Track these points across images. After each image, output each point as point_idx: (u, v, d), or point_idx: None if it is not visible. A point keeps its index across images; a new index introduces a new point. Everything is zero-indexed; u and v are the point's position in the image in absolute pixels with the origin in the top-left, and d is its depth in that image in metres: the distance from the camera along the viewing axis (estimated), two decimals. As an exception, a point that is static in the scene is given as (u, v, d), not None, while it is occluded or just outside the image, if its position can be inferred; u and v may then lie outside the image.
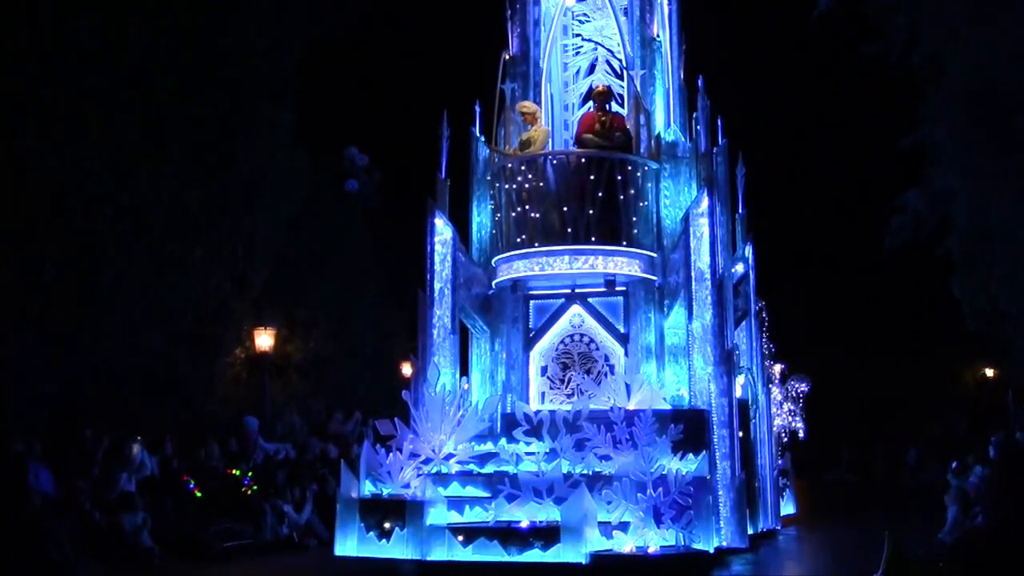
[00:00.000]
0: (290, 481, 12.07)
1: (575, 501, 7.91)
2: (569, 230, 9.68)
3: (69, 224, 12.43)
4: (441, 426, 8.86)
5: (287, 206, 15.99)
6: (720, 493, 9.08)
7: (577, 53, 11.37)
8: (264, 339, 15.75)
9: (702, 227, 9.70)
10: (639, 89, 10.34)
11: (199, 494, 11.24)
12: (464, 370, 10.38)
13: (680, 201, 10.43)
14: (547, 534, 7.85)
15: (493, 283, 10.34)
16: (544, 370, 10.08)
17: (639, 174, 9.95)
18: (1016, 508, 9.15)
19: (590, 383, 9.56)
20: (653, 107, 10.50)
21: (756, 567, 8.97)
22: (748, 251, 11.60)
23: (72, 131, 12.42)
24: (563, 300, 10.10)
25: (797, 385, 15.03)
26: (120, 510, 10.01)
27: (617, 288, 9.90)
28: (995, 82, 11.08)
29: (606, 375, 9.84)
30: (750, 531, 9.54)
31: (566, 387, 9.94)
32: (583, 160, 9.73)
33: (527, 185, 9.83)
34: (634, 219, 9.86)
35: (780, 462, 13.03)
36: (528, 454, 8.69)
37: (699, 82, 10.71)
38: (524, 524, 8.10)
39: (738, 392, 10.09)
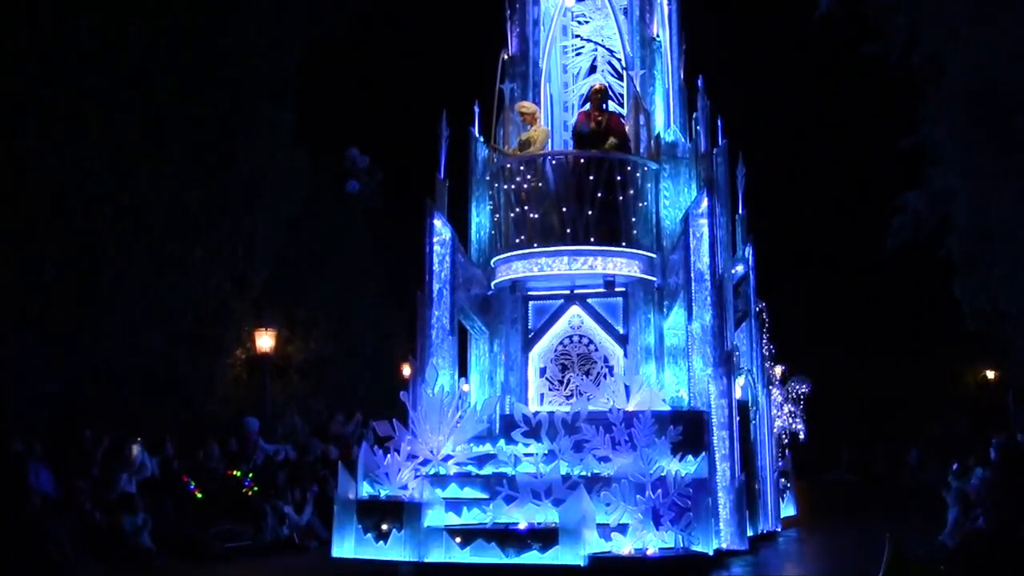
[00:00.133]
0: (291, 482, 12.07)
1: (573, 503, 7.89)
2: (568, 231, 9.65)
3: (69, 224, 12.42)
4: (439, 427, 8.85)
5: (287, 206, 15.98)
6: (719, 495, 9.05)
7: (577, 53, 11.34)
8: (265, 340, 15.74)
9: (702, 228, 9.68)
10: (639, 89, 10.31)
11: (199, 495, 11.24)
12: (463, 371, 10.36)
13: (680, 202, 10.40)
14: (545, 536, 7.84)
15: (492, 284, 10.32)
16: (543, 371, 10.06)
17: (639, 174, 9.93)
18: (1017, 510, 9.13)
19: (589, 384, 9.54)
20: (653, 107, 10.47)
21: (756, 569, 8.95)
22: (748, 252, 11.58)
23: (72, 131, 12.41)
24: (562, 301, 10.07)
25: (797, 386, 15.02)
26: (120, 511, 10.02)
27: (616, 289, 9.87)
28: (995, 82, 11.05)
29: (605, 376, 9.81)
30: (750, 533, 9.52)
31: (565, 388, 9.91)
32: (582, 160, 9.70)
33: (526, 185, 9.81)
34: (633, 220, 9.84)
35: (780, 463, 13.01)
36: (527, 455, 8.67)
37: (699, 82, 10.68)
38: (522, 526, 8.09)
39: (738, 393, 10.05)
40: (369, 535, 8.24)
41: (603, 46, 11.16)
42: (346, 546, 8.39)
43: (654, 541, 8.09)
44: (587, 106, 10.53)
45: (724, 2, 20.44)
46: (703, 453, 8.69)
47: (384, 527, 8.18)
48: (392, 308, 18.68)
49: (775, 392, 13.34)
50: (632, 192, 9.82)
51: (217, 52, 14.04)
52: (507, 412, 9.53)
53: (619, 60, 10.83)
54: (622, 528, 8.10)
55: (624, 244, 9.78)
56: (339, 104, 20.82)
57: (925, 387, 25.59)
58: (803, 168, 24.39)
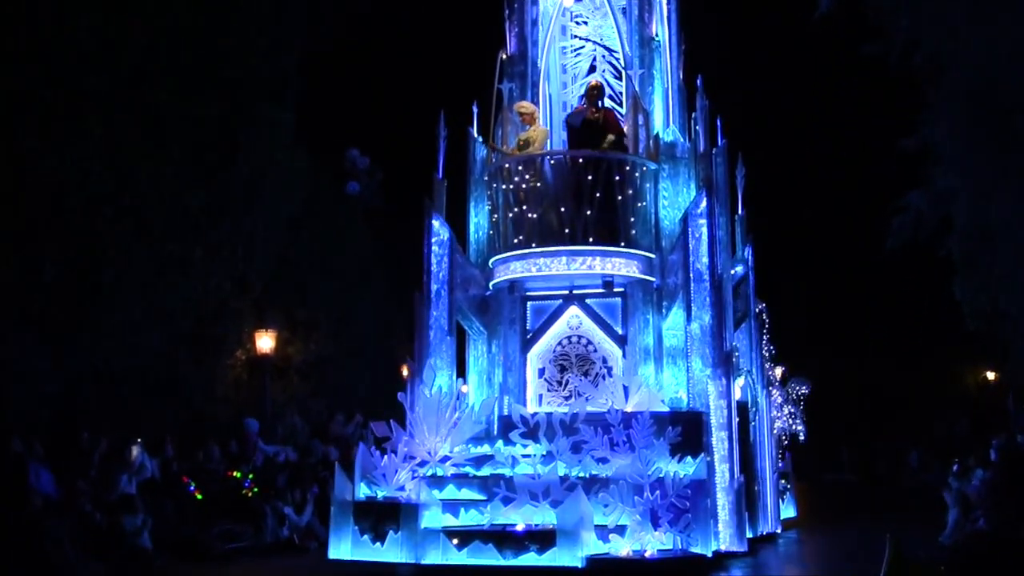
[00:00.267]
0: (291, 483, 12.06)
1: (571, 504, 7.87)
2: (567, 231, 9.64)
3: (69, 224, 12.43)
4: (437, 428, 8.83)
5: (287, 206, 15.98)
6: (718, 496, 9.02)
7: (576, 53, 11.32)
8: (265, 341, 15.74)
9: (701, 228, 9.65)
10: (637, 89, 10.29)
11: (199, 496, 11.23)
12: (461, 372, 10.33)
13: (679, 202, 10.37)
14: (543, 537, 7.82)
15: (490, 284, 10.30)
16: (541, 372, 10.03)
17: (637, 174, 9.90)
18: (1017, 511, 9.10)
19: (588, 385, 9.53)
20: (652, 107, 10.44)
21: (755, 571, 8.91)
22: (748, 252, 11.54)
23: (72, 131, 12.42)
24: (561, 301, 10.05)
25: (798, 387, 14.99)
26: (120, 511, 10.00)
27: (615, 289, 9.85)
28: (995, 82, 11.03)
29: (604, 377, 9.79)
30: (749, 534, 9.47)
31: (564, 389, 9.89)
32: (581, 160, 9.68)
33: (524, 185, 9.79)
34: (632, 220, 9.82)
35: (780, 464, 12.98)
36: (525, 456, 8.65)
37: (698, 82, 10.65)
38: (520, 527, 8.07)
39: (737, 394, 10.00)
40: (366, 536, 8.21)
41: (602, 45, 11.13)
42: (342, 548, 8.37)
43: (652, 543, 8.06)
44: (582, 102, 10.49)
45: (724, 2, 20.42)
46: (702, 454, 8.66)
47: (381, 529, 8.13)
48: (392, 309, 18.67)
49: (775, 393, 13.30)
50: (631, 192, 9.79)
51: (217, 52, 14.04)
52: (505, 413, 9.51)
53: (618, 60, 10.80)
54: (620, 530, 8.07)
55: (623, 244, 9.76)
56: (339, 104, 20.83)
57: (925, 388, 25.58)
58: (803, 168, 24.37)
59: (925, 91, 13.01)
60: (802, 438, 14.97)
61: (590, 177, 9.61)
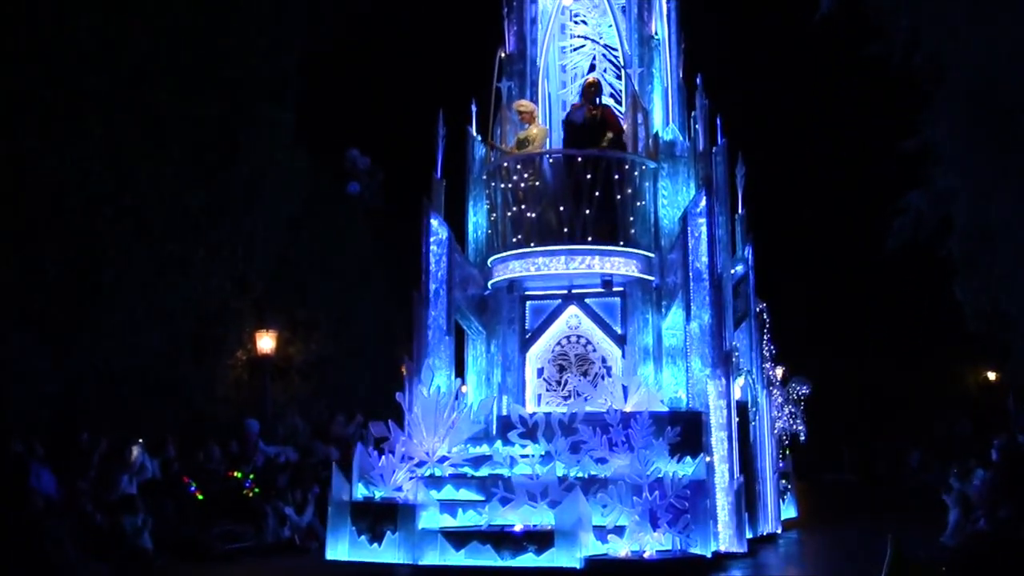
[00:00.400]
0: (292, 484, 12.05)
1: (570, 504, 7.84)
2: (565, 230, 9.61)
3: (69, 224, 12.44)
4: (435, 428, 8.81)
5: (287, 206, 15.98)
6: (718, 496, 8.99)
7: (575, 52, 11.28)
8: (266, 341, 15.73)
9: (700, 227, 9.62)
10: (637, 87, 10.26)
11: (200, 496, 11.22)
12: (460, 372, 10.29)
13: (678, 201, 10.34)
14: (541, 538, 7.79)
15: (489, 284, 10.27)
16: (540, 372, 10.00)
17: (637, 173, 9.88)
18: (1018, 511, 9.07)
19: (587, 385, 9.49)
20: (651, 106, 10.40)
21: (755, 571, 8.89)
22: (748, 252, 11.51)
23: (72, 131, 12.43)
24: (560, 301, 10.02)
25: (798, 387, 14.96)
26: (121, 512, 10.00)
27: (614, 289, 9.81)
28: (995, 82, 11.00)
29: (603, 377, 9.76)
30: (749, 535, 9.44)
31: (563, 389, 9.86)
32: (580, 159, 9.65)
33: (523, 184, 9.77)
34: (631, 219, 9.79)
35: (781, 465, 12.95)
36: (523, 457, 8.63)
37: (698, 80, 10.61)
38: (518, 528, 8.05)
39: (737, 394, 9.98)
40: (363, 537, 8.18)
41: (601, 44, 11.09)
42: (340, 548, 8.33)
43: (651, 543, 8.04)
44: (580, 100, 10.46)
45: (724, 2, 20.40)
46: (701, 454, 8.63)
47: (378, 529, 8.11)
48: (393, 309, 18.65)
49: (776, 393, 13.27)
50: (630, 191, 9.77)
51: (217, 52, 14.05)
52: (504, 413, 9.49)
53: (617, 58, 10.77)
54: (619, 530, 8.04)
55: (622, 243, 9.73)
56: (339, 104, 20.83)
57: (926, 388, 25.56)
58: (803, 168, 24.35)
59: (925, 91, 13.00)
60: (803, 438, 14.95)
61: (589, 176, 9.58)
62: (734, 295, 10.83)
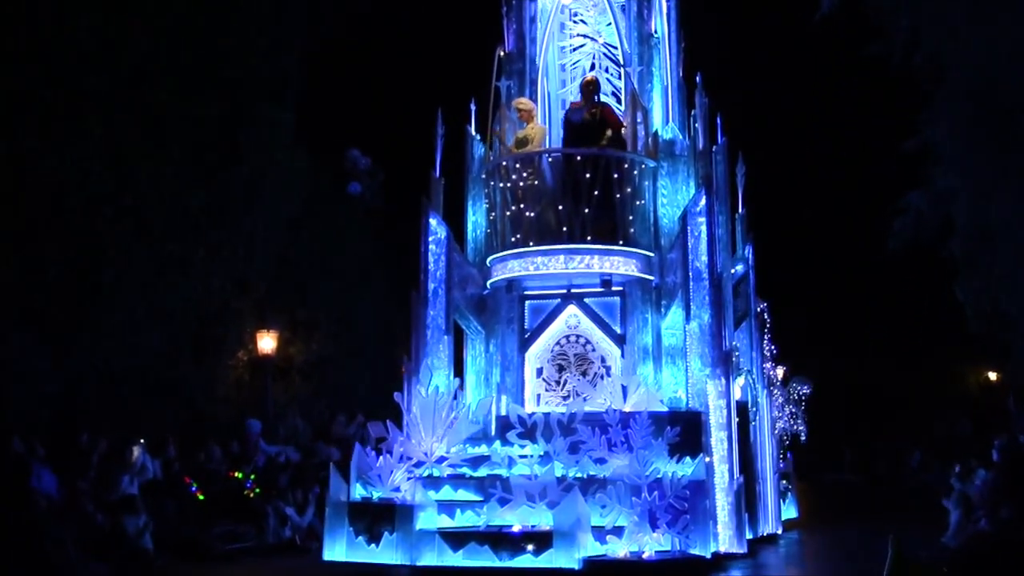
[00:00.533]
0: (293, 484, 12.04)
1: (568, 505, 7.82)
2: (565, 229, 9.57)
3: (69, 224, 12.45)
4: (433, 428, 8.79)
5: (288, 206, 15.98)
6: (718, 497, 8.96)
7: (575, 51, 11.25)
8: (267, 342, 15.73)
9: (700, 226, 9.59)
10: (636, 86, 10.22)
11: (201, 496, 11.22)
12: (458, 371, 10.26)
13: (678, 200, 10.30)
14: (539, 539, 7.76)
15: (488, 283, 10.23)
16: (539, 372, 9.97)
17: (636, 172, 9.84)
18: (1019, 512, 9.04)
19: (586, 385, 9.46)
20: (651, 104, 10.35)
21: (754, 572, 8.87)
22: (748, 251, 11.48)
23: (72, 131, 12.44)
24: (559, 300, 9.98)
25: (799, 387, 14.94)
26: (122, 512, 10.00)
27: (614, 288, 9.77)
28: (995, 82, 10.97)
29: (602, 377, 9.73)
30: (749, 535, 9.41)
31: (562, 389, 9.83)
32: (579, 158, 9.62)
33: (522, 183, 9.74)
34: (631, 218, 9.76)
35: (782, 465, 12.92)
36: (522, 457, 8.61)
37: (697, 79, 10.57)
38: (516, 528, 8.02)
39: (737, 394, 9.95)
40: (360, 538, 8.15)
41: (601, 42, 11.06)
42: (337, 549, 8.30)
43: (650, 544, 8.01)
44: (579, 98, 10.44)
45: (724, 1, 20.37)
46: (701, 455, 8.61)
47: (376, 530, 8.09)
48: (393, 309, 18.65)
49: (776, 393, 13.24)
50: (629, 190, 9.74)
51: (217, 52, 14.06)
52: (503, 413, 9.47)
53: (617, 57, 10.74)
54: (618, 531, 8.01)
55: (621, 243, 9.69)
56: (340, 104, 20.83)
57: (926, 388, 25.55)
58: (803, 168, 24.33)
59: (926, 91, 12.97)
60: (803, 438, 14.92)
61: (588, 175, 9.55)
62: (734, 295, 10.80)
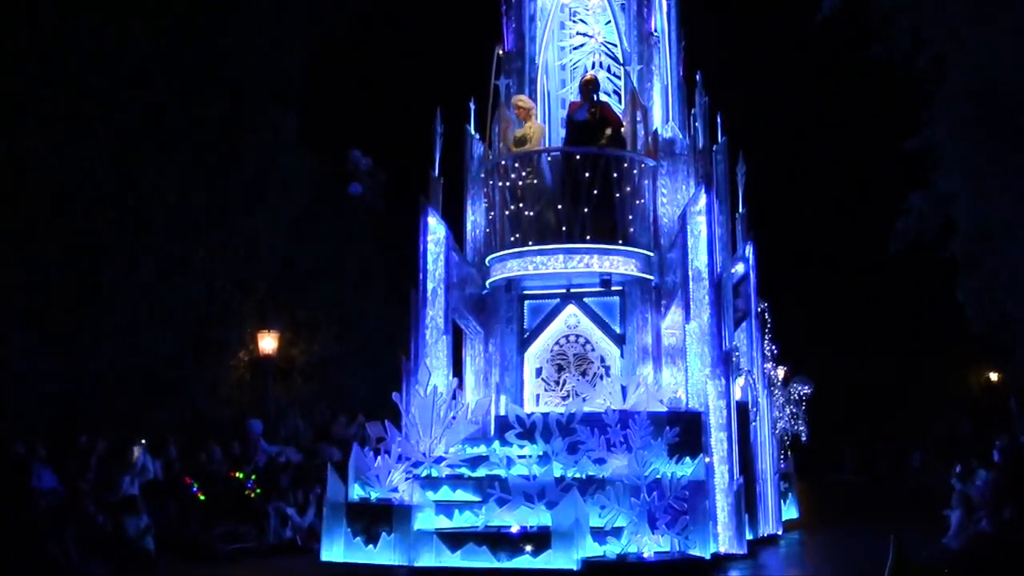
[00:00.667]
0: (294, 484, 12.04)
1: (567, 505, 7.80)
2: (564, 228, 9.54)
3: (70, 224, 12.48)
4: (431, 429, 8.77)
5: (289, 207, 15.99)
6: (717, 498, 8.93)
7: (574, 49, 11.23)
8: (268, 342, 15.73)
9: (700, 226, 9.56)
10: (636, 85, 10.19)
11: (202, 497, 11.22)
12: (457, 371, 10.24)
13: (678, 199, 10.26)
14: (538, 539, 7.75)
15: (487, 283, 10.20)
16: (539, 372, 9.94)
17: (636, 171, 9.80)
18: (1021, 513, 9.02)
19: (585, 385, 9.44)
20: (650, 103, 10.31)
21: (754, 572, 8.84)
22: (749, 251, 11.44)
23: (73, 131, 12.47)
24: (558, 300, 9.96)
25: (800, 388, 14.91)
26: (123, 513, 10.00)
27: (613, 288, 9.75)
28: (996, 82, 10.95)
29: (602, 377, 9.70)
30: (749, 536, 9.38)
31: (561, 389, 9.81)
32: (578, 157, 9.59)
33: (521, 183, 9.71)
34: (630, 217, 9.72)
35: (782, 465, 12.89)
36: (521, 457, 8.59)
37: (698, 78, 10.54)
38: (515, 529, 8.00)
39: (737, 394, 9.92)
40: (358, 539, 8.14)
41: (601, 41, 11.03)
42: (335, 550, 8.29)
43: (650, 545, 8.00)
44: (578, 97, 10.41)
45: (724, 1, 20.35)
46: (700, 455, 8.58)
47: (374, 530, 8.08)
48: (394, 309, 18.65)
49: (777, 393, 13.21)
50: (629, 189, 9.70)
51: (218, 53, 14.07)
52: (502, 413, 9.45)
53: (617, 55, 10.72)
54: (617, 532, 8.00)
55: (621, 242, 9.65)
56: (341, 105, 20.84)
57: (927, 388, 25.53)
58: (803, 168, 24.31)
59: (926, 91, 12.94)
60: (804, 439, 14.89)
61: (587, 174, 9.51)
62: (734, 295, 10.77)
